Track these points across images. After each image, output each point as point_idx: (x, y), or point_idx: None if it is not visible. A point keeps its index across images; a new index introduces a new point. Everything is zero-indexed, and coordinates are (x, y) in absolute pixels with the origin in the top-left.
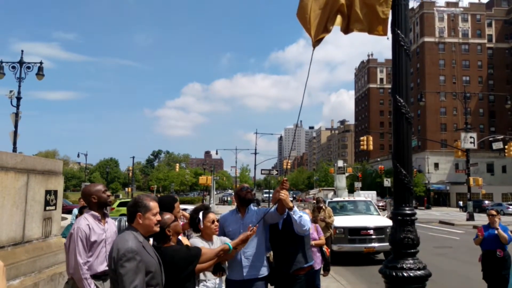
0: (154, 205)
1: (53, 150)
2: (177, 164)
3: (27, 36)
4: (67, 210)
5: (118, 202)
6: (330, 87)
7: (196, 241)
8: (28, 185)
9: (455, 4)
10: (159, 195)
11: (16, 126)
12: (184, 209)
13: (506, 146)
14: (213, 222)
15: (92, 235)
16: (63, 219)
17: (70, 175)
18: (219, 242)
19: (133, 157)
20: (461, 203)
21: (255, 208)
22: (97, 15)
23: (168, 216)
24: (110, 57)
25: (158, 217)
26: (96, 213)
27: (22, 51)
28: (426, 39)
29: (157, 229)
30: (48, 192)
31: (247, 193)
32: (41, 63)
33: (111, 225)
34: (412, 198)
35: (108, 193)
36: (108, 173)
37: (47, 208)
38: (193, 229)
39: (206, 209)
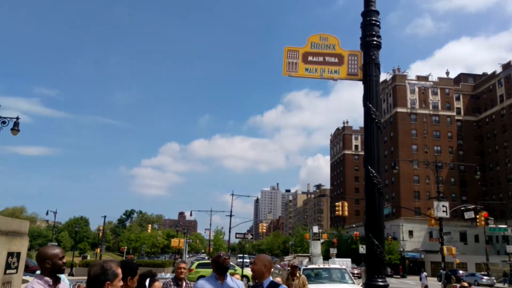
0: (120, 271)
1: (20, 206)
2: (150, 225)
3: (8, 90)
4: (31, 271)
5: (197, 263)
6: (307, 151)
7: None
8: None
9: (425, 78)
10: (127, 257)
11: None
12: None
13: (477, 216)
14: None
15: None
16: (24, 282)
17: (36, 233)
18: None
19: (105, 216)
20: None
21: (231, 277)
22: (80, 73)
23: (157, 284)
24: (88, 115)
25: (121, 283)
26: (48, 279)
27: None
28: (399, 109)
29: None
30: (10, 254)
31: (224, 260)
32: (17, 118)
33: None
34: (385, 269)
35: (64, 260)
36: (77, 232)
37: (8, 271)
38: None
39: (153, 277)
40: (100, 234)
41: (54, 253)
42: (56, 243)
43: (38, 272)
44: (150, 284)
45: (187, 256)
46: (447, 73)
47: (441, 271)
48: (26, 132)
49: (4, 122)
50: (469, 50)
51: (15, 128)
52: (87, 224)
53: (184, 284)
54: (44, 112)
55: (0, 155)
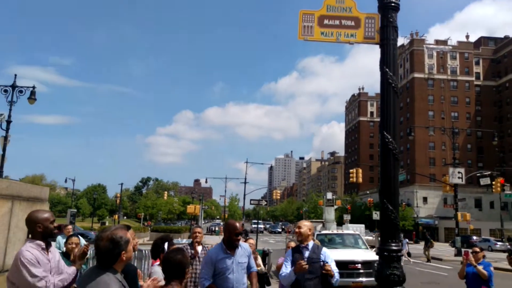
0: (128, 234)
1: (40, 174)
2: (166, 192)
3: (24, 60)
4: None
5: None
6: (321, 118)
7: (158, 270)
8: (12, 211)
9: (444, 42)
10: (145, 224)
11: (4, 150)
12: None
13: (493, 182)
14: None
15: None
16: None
17: (56, 200)
18: None
19: (122, 184)
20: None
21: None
22: (95, 42)
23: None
24: (104, 83)
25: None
26: (41, 242)
27: (16, 75)
28: (416, 75)
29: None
30: None
31: (237, 240)
32: (33, 87)
33: (55, 254)
34: (399, 234)
35: (55, 224)
36: (96, 199)
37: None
38: (153, 255)
39: (171, 241)
40: (118, 201)
41: (44, 217)
42: (76, 210)
43: (59, 237)
44: (168, 248)
45: (203, 222)
46: (467, 36)
47: (455, 237)
48: (42, 101)
49: (21, 91)
50: (491, 12)
51: (32, 97)
52: (105, 191)
53: (200, 248)
54: (59, 81)
55: (18, 124)
